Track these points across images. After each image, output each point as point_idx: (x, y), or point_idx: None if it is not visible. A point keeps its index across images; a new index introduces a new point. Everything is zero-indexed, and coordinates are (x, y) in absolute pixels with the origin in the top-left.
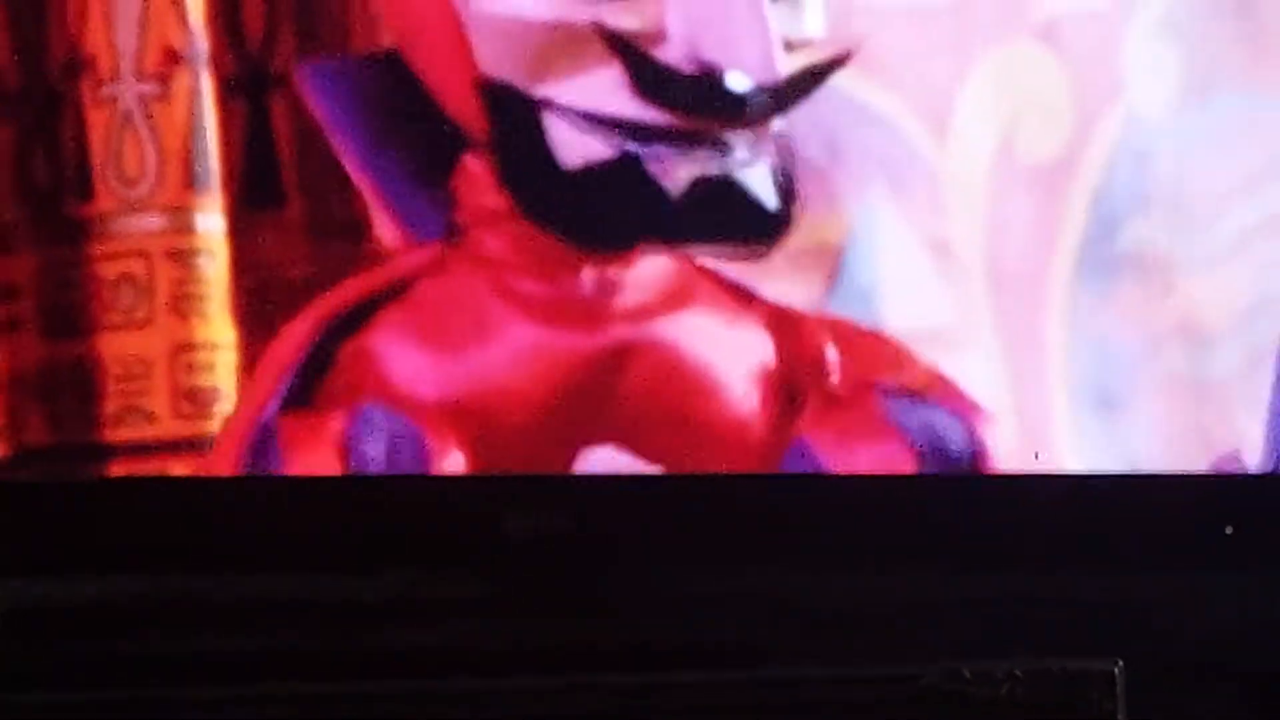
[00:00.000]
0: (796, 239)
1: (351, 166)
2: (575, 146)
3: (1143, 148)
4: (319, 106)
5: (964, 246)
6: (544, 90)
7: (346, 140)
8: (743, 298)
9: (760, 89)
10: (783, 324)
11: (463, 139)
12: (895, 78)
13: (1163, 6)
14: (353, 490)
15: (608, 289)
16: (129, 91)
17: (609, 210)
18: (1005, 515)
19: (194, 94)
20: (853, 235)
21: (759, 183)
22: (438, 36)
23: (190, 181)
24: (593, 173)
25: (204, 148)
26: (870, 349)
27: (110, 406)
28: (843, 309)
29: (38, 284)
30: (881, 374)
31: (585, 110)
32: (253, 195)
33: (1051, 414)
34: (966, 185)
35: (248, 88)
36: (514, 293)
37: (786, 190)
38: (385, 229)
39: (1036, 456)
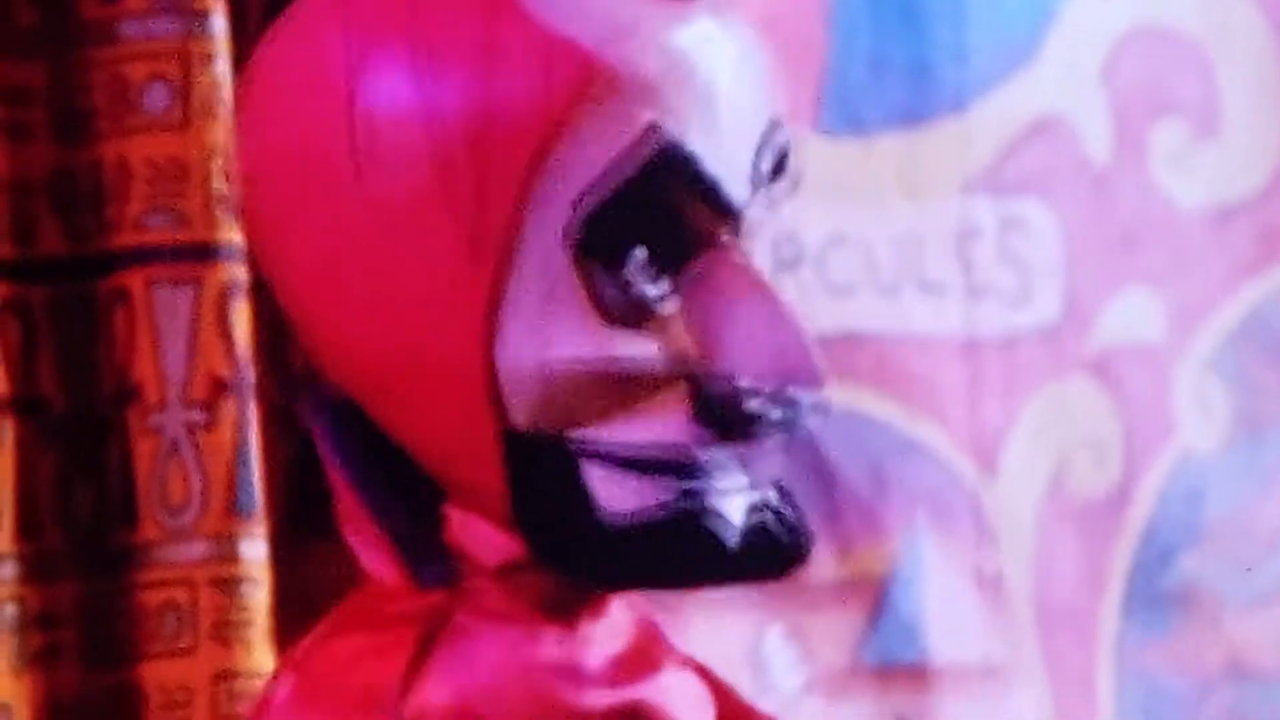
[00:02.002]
0: (839, 571)
1: (356, 504)
2: (622, 491)
3: (1194, 484)
4: (323, 439)
5: (1012, 581)
6: (583, 435)
7: (352, 478)
8: (692, 662)
9: (806, 401)
10: (727, 701)
11: (440, 492)
12: (944, 412)
13: (1213, 344)
14: None
15: (594, 646)
16: (176, 420)
17: (669, 551)
18: None
19: (240, 422)
20: (896, 568)
21: (777, 500)
22: (451, 391)
23: (235, 509)
24: (647, 516)
25: (249, 476)
26: None
27: None
28: (885, 642)
29: (79, 612)
30: None
31: (630, 446)
32: (296, 523)
33: None
34: (1015, 520)
35: (292, 416)
36: (519, 648)
37: (793, 502)
38: (380, 566)
39: None
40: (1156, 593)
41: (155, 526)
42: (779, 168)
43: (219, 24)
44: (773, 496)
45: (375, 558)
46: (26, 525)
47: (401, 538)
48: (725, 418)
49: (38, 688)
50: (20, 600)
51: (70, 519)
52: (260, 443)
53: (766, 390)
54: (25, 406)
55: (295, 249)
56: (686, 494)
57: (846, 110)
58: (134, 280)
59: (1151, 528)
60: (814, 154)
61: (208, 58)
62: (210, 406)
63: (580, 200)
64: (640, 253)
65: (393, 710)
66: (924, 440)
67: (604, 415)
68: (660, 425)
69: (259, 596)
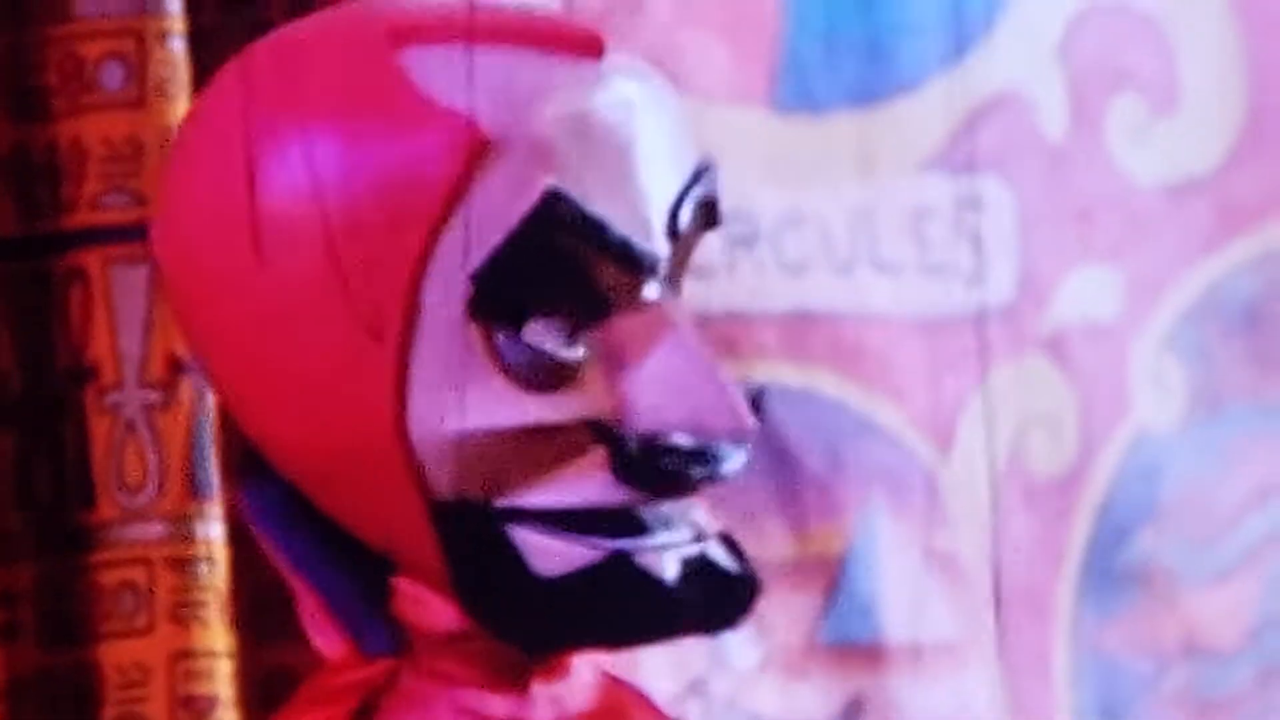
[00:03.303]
0: (795, 550)
1: (293, 580)
2: (552, 552)
3: (1150, 461)
4: (256, 524)
5: (967, 561)
6: (507, 500)
7: (287, 556)
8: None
9: (731, 447)
10: None
11: (388, 564)
12: (899, 390)
13: (1170, 321)
14: None
15: (554, 705)
16: (133, 400)
17: (601, 610)
18: None
19: (197, 403)
20: (852, 547)
21: (718, 552)
22: (374, 468)
23: (192, 490)
24: (578, 575)
25: (205, 456)
26: None
27: (108, 714)
28: (840, 621)
29: (37, 591)
30: None
31: (557, 509)
32: None
33: None
34: (971, 499)
35: None
36: (469, 710)
37: (738, 551)
38: (326, 640)
39: None
40: (1113, 571)
41: (112, 506)
42: (710, 216)
43: (175, 1)
44: (713, 548)
45: (323, 634)
46: None
47: (343, 608)
48: (646, 475)
49: None
50: None
51: (27, 499)
52: (217, 422)
53: (687, 445)
54: None
55: (210, 333)
56: (615, 555)
57: (801, 88)
58: (91, 260)
59: (1107, 506)
60: (768, 132)
61: (163, 35)
62: (167, 386)
63: (479, 270)
64: (542, 316)
65: None
66: (879, 419)
67: (526, 479)
68: (584, 486)
69: (216, 576)
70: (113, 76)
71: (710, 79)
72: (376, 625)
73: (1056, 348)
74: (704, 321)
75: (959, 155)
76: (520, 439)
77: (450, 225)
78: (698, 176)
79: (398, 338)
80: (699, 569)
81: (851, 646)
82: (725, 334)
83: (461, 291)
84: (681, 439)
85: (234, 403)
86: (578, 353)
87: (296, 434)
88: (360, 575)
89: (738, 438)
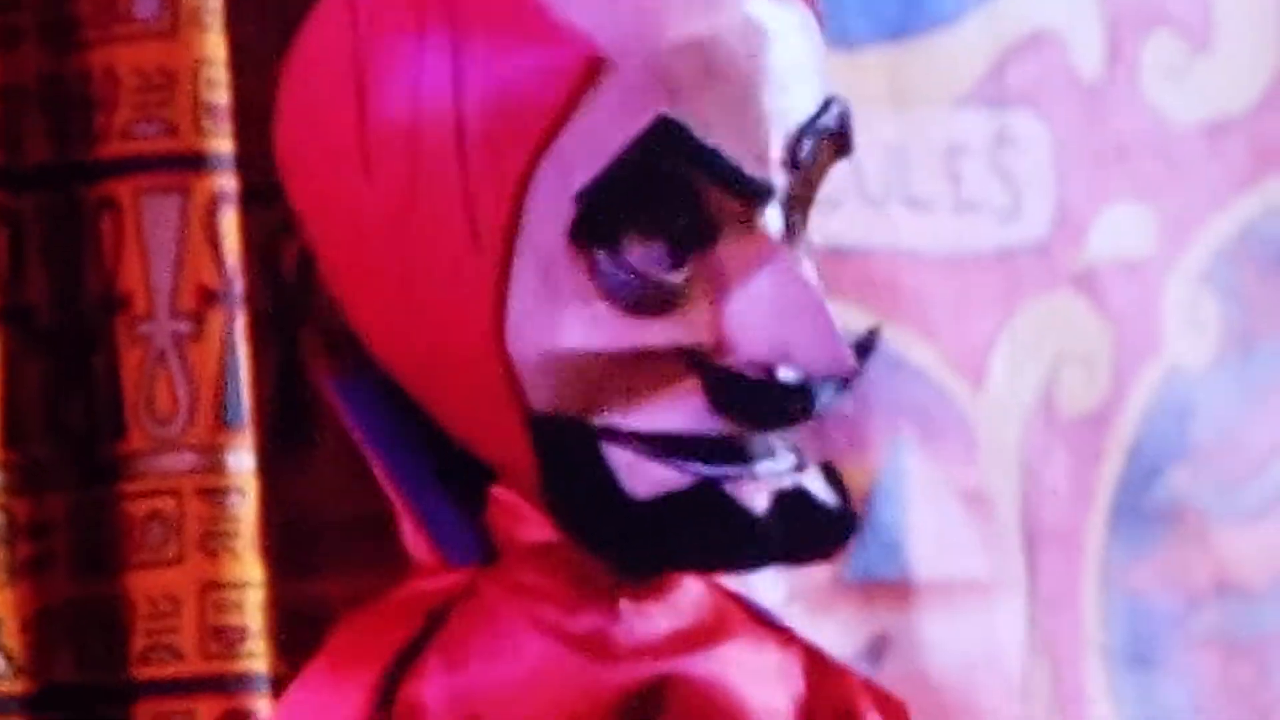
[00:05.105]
0: None
1: (385, 481)
2: (645, 474)
3: (1182, 400)
4: (350, 420)
5: (997, 497)
6: (604, 419)
7: (379, 456)
8: (780, 635)
9: (829, 383)
10: (818, 669)
11: (487, 473)
12: (930, 326)
13: (1204, 258)
14: None
15: (644, 621)
16: (163, 330)
17: (687, 536)
18: None
19: (228, 333)
20: (880, 483)
21: (816, 484)
22: (474, 377)
23: (222, 420)
24: (667, 500)
25: (236, 387)
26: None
27: (138, 644)
28: (866, 557)
29: (67, 522)
30: None
31: (654, 433)
32: (283, 433)
33: (1085, 671)
34: (1001, 436)
35: (281, 326)
36: (548, 623)
37: (839, 484)
38: (418, 545)
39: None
40: (1143, 509)
41: (142, 436)
42: (839, 147)
43: None
44: (811, 480)
45: (412, 540)
46: (13, 435)
47: (431, 514)
48: (738, 407)
49: (26, 598)
50: (8, 510)
51: (57, 429)
52: (248, 353)
53: (784, 379)
54: (12, 315)
55: (322, 235)
56: (703, 482)
57: (834, 23)
58: (122, 189)
59: (1139, 443)
60: None
61: None
62: (198, 317)
63: (584, 191)
64: (645, 239)
65: (380, 670)
66: (911, 356)
67: (623, 401)
68: (680, 413)
69: (246, 507)
70: (146, 5)
71: None
72: (465, 534)
73: (1090, 284)
74: None
75: (994, 91)
76: (616, 362)
77: (557, 144)
78: (824, 109)
79: (499, 252)
80: (792, 501)
81: (877, 583)
82: None
83: (564, 211)
84: (781, 373)
85: (342, 298)
86: (680, 278)
87: (400, 334)
88: (455, 482)
89: (836, 375)
